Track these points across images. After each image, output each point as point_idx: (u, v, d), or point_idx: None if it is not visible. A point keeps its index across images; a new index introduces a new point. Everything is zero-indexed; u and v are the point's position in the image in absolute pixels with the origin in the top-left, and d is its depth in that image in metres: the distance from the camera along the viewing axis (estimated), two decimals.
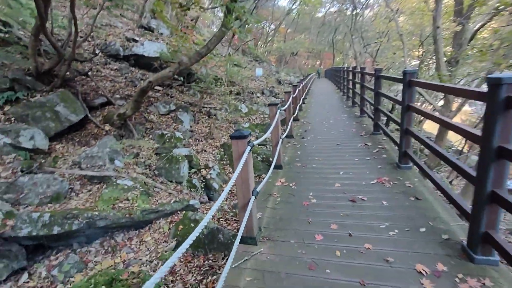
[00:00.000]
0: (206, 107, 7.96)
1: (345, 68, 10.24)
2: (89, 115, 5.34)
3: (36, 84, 4.96)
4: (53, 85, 4.90)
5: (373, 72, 4.39)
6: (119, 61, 8.00)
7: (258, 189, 1.94)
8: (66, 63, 4.88)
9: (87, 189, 4.02)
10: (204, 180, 5.18)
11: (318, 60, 45.36)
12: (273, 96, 11.90)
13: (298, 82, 7.94)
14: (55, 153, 4.56)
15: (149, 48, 8.65)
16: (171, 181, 4.87)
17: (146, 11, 12.23)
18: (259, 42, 32.84)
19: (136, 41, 8.98)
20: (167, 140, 5.40)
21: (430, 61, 13.58)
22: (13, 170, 3.84)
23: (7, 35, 5.96)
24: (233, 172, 1.71)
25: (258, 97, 10.97)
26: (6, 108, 4.58)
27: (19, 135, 4.12)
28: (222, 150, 6.17)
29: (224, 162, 5.90)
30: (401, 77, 2.76)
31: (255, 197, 1.90)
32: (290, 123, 4.77)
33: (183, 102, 7.57)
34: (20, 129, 4.15)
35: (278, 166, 3.38)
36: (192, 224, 3.43)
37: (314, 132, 5.31)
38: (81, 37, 7.90)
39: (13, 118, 4.50)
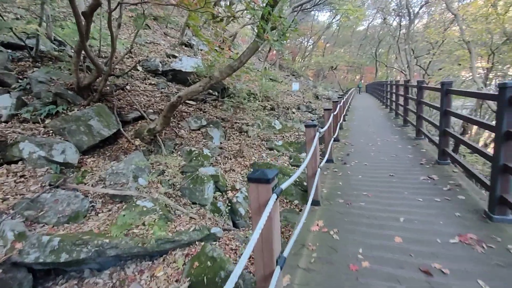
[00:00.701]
0: (238, 123, 7.64)
1: (394, 82, 9.16)
2: (122, 130, 5.33)
3: (76, 98, 5.12)
4: (90, 99, 5.00)
5: (438, 87, 3.54)
6: (158, 76, 8.22)
7: (287, 252, 1.32)
8: (103, 78, 4.96)
9: (108, 208, 3.82)
10: (229, 204, 4.71)
11: (359, 74, 43.35)
12: (309, 111, 11.22)
13: (338, 97, 7.20)
14: (85, 167, 4.53)
15: (186, 63, 8.79)
16: (195, 203, 4.50)
17: (186, 29, 12.76)
18: (297, 57, 32.62)
19: (175, 57, 9.24)
20: (194, 158, 5.11)
21: (500, 73, 11.63)
22: (42, 184, 3.82)
23: (60, 53, 6.43)
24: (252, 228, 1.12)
25: (294, 113, 10.40)
26: (47, 121, 4.75)
27: (52, 148, 4.15)
28: (252, 170, 5.67)
29: None
30: (495, 93, 1.98)
31: (281, 268, 1.30)
32: (330, 146, 4.09)
33: (215, 117, 7.36)
34: (53, 142, 4.19)
35: (315, 202, 2.73)
36: (208, 263, 2.93)
37: (358, 156, 4.53)
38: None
39: (51, 131, 4.63)
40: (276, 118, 9.12)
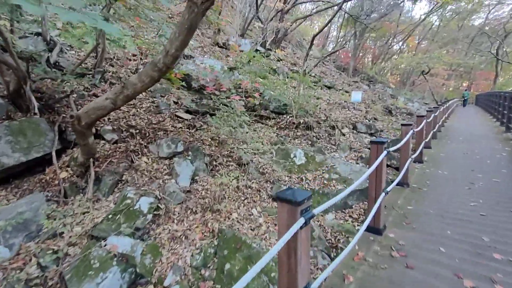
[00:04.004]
0: (242, 149, 5.32)
1: None
2: (54, 155, 3.87)
3: (3, 109, 3.95)
4: (7, 111, 3.71)
5: None
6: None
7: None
8: (28, 83, 3.59)
9: None
10: None
11: (466, 81, 33.39)
12: (370, 133, 7.81)
13: (402, 125, 3.69)
14: None
15: (200, 65, 7.09)
16: None
17: (228, 28, 11.23)
18: (379, 60, 27.35)
19: (192, 57, 7.70)
20: (112, 215, 3.14)
21: None
22: None
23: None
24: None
25: (344, 135, 7.29)
26: None
27: None
28: (217, 242, 3.30)
29: (208, 274, 3.00)
30: None
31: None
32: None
33: (209, 139, 5.28)
34: None
35: None
36: None
37: None
38: (134, 55, 7.28)
39: None
40: (310, 143, 6.34)
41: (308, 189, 4.38)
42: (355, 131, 7.75)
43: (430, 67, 17.73)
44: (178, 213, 3.68)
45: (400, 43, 24.34)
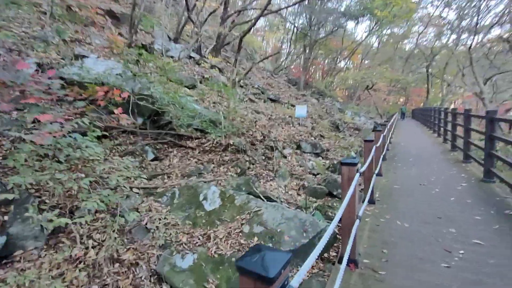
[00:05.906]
0: (135, 188, 3.58)
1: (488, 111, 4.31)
2: None
3: None
4: None
5: None
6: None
7: None
8: None
9: None
10: None
11: (403, 97, 36.89)
12: (316, 153, 6.75)
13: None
14: None
15: (94, 67, 5.22)
16: None
17: (158, 30, 9.51)
18: (327, 76, 28.26)
19: (85, 57, 5.76)
20: None
21: None
22: None
23: None
24: None
25: (285, 157, 6.04)
26: None
27: None
28: None
29: None
30: None
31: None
32: None
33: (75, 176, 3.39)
34: None
35: None
36: None
37: None
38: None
39: None
40: (240, 170, 4.87)
41: (216, 254, 2.82)
42: (299, 151, 6.61)
43: (373, 83, 18.42)
44: None
45: (346, 59, 25.48)
